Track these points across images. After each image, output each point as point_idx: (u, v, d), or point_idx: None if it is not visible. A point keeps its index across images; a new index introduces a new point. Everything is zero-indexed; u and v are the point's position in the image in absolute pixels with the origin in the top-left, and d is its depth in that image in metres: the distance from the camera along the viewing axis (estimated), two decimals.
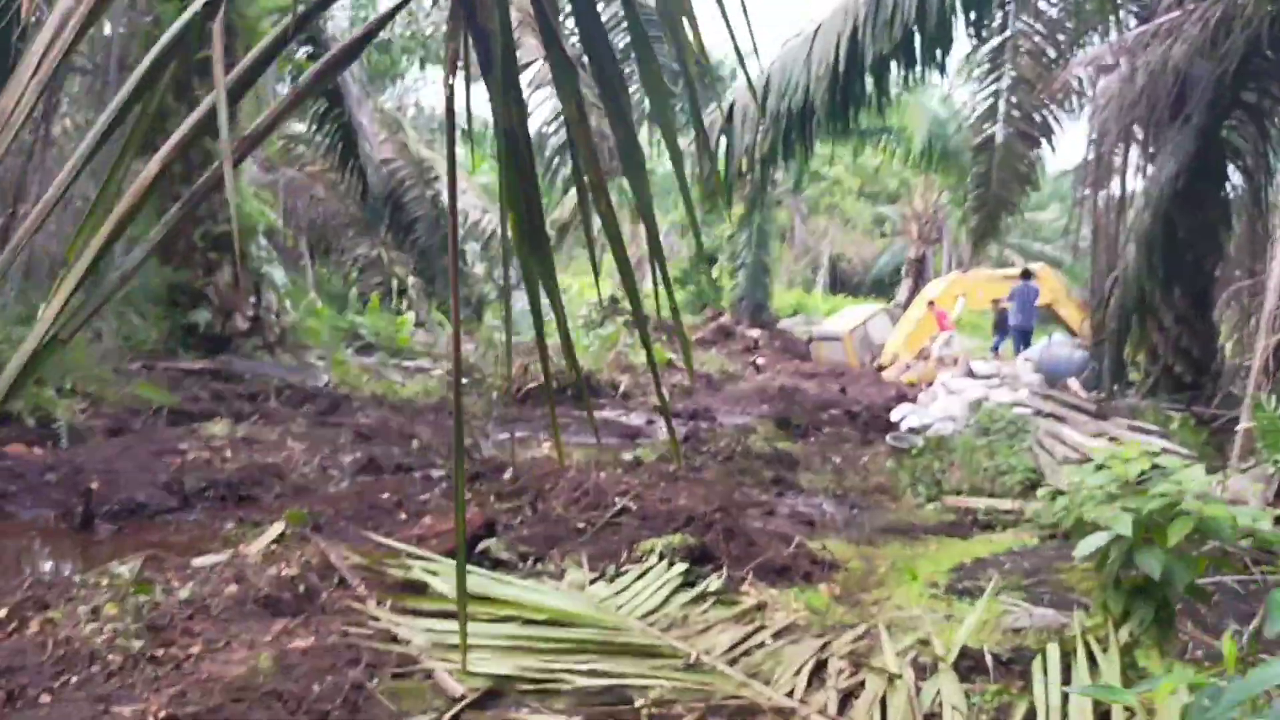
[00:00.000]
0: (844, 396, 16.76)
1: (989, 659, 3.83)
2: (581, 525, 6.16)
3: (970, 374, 14.20)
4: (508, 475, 7.11)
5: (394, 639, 4.24)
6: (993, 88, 13.37)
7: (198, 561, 5.13)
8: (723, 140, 10.69)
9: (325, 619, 4.50)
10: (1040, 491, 6.13)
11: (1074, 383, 13.25)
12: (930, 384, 16.42)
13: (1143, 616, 3.13)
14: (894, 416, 12.91)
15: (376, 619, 4.49)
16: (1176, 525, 2.96)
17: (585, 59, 1.95)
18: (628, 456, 9.31)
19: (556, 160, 13.69)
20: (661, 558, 5.43)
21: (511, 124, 1.89)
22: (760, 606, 4.99)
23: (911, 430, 11.90)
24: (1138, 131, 12.50)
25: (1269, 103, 10.00)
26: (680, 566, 5.25)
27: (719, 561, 5.56)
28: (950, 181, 32.56)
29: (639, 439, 11.32)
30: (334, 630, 4.33)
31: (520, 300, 19.37)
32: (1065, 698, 3.18)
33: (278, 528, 5.68)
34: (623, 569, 5.35)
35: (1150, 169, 10.72)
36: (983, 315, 25.26)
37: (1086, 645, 3.31)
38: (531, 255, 1.95)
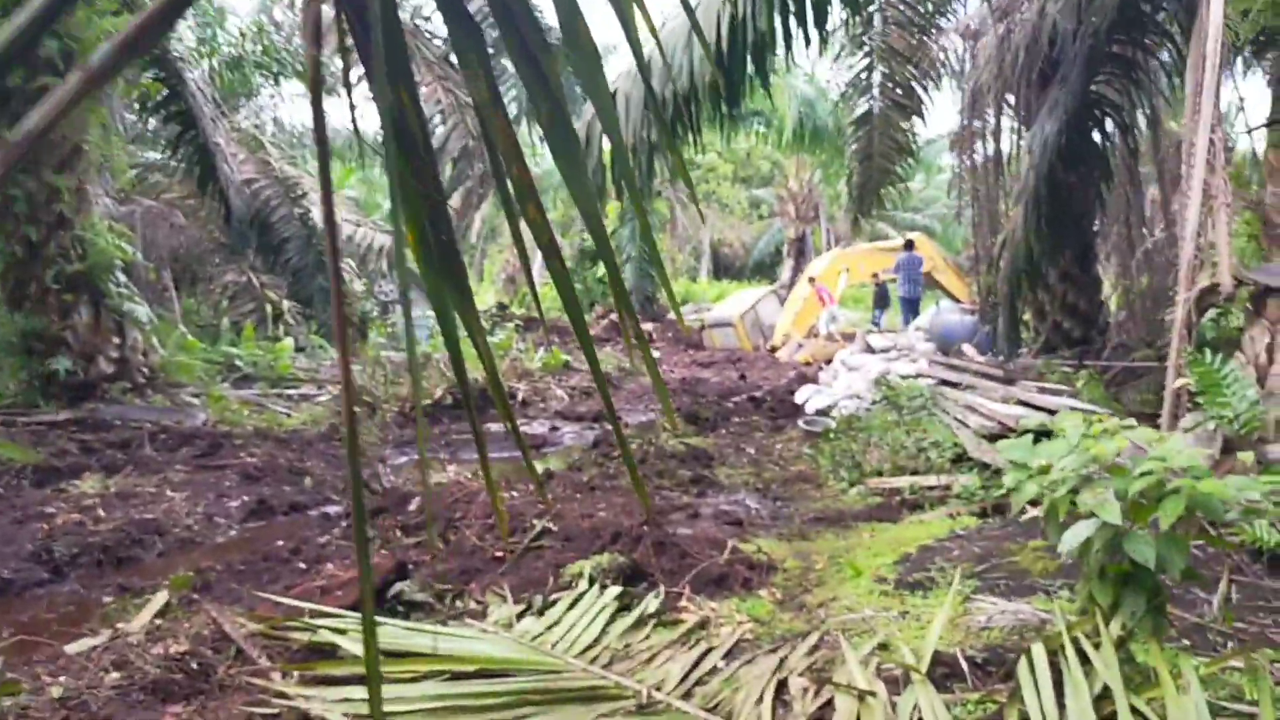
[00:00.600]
0: (744, 382, 16.63)
1: (963, 663, 3.55)
2: (500, 554, 5.72)
3: (868, 349, 14.17)
4: (413, 506, 6.60)
5: (305, 717, 3.74)
6: (866, 60, 13.31)
7: (72, 648, 4.52)
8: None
9: (224, 700, 3.97)
10: (987, 475, 5.96)
11: (969, 348, 13.33)
12: (828, 362, 16.40)
13: (1134, 607, 2.87)
14: (799, 399, 12.77)
15: (283, 694, 3.97)
16: (1168, 506, 2.71)
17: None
18: (539, 469, 8.87)
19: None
20: (592, 582, 5.03)
21: (400, 107, 1.47)
22: (703, 624, 4.64)
23: (819, 412, 11.75)
24: (1010, 98, 12.63)
25: (1141, 55, 10.10)
26: (614, 590, 4.87)
27: (652, 578, 5.20)
28: (823, 159, 32.94)
29: (545, 448, 10.89)
30: (234, 713, 3.81)
31: (406, 313, 18.65)
32: (1062, 704, 2.91)
33: (161, 597, 5.09)
34: (551, 598, 4.93)
35: (1029, 129, 10.74)
36: (864, 289, 25.54)
37: (1075, 642, 3.04)
38: (440, 275, 1.54)
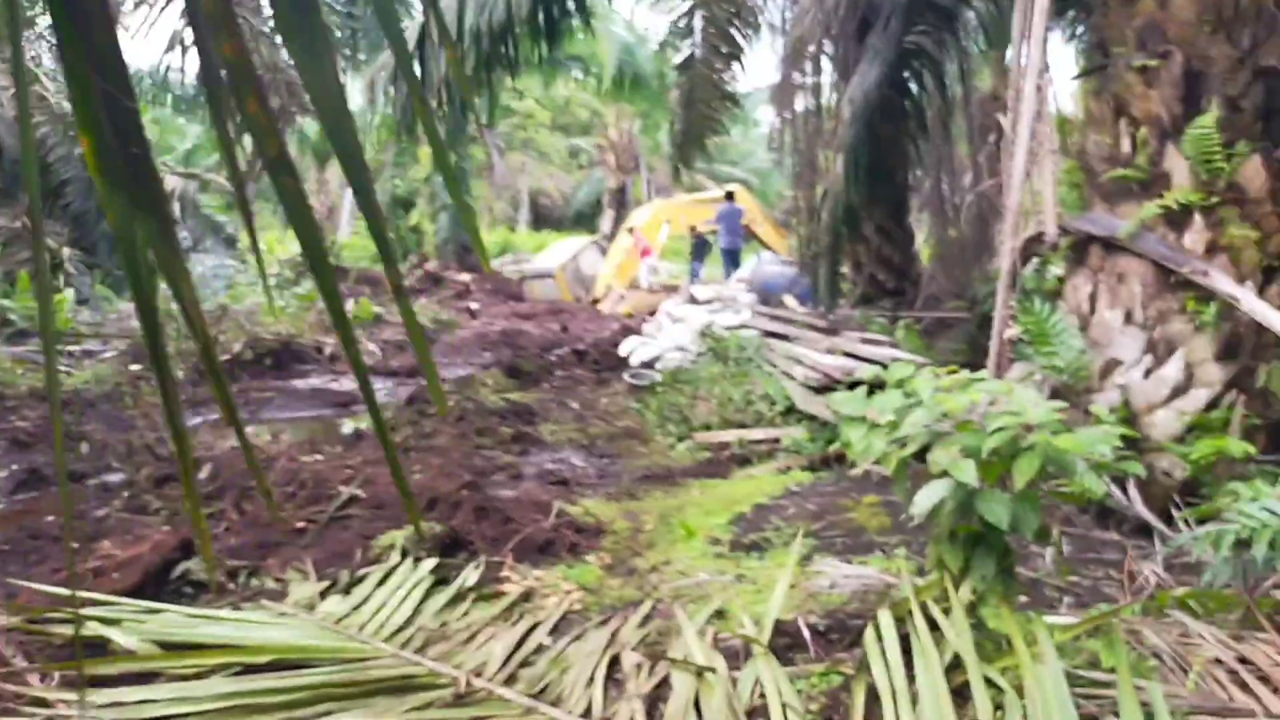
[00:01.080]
0: (567, 335, 16.29)
1: (805, 632, 3.34)
2: (302, 524, 5.20)
3: (691, 300, 14.07)
4: (204, 473, 5.95)
5: None
6: (688, 4, 13.04)
7: None
8: (416, 69, 9.67)
9: None
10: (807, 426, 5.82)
11: (790, 299, 13.41)
12: (652, 314, 16.25)
13: (985, 570, 2.71)
14: (623, 351, 12.54)
15: (41, 701, 3.40)
16: (1024, 464, 2.54)
17: None
18: (347, 429, 8.30)
19: None
20: (405, 554, 4.61)
21: None
22: (528, 595, 4.31)
23: (645, 365, 11.55)
24: (829, 46, 12.64)
25: (959, 6, 10.21)
26: (429, 562, 4.46)
27: (472, 547, 4.81)
28: (643, 108, 32.74)
29: (355, 406, 10.26)
30: None
31: (203, 262, 17.40)
32: (911, 675, 2.72)
33: None
34: (359, 574, 4.49)
35: (849, 82, 10.73)
36: (684, 241, 25.57)
37: (924, 608, 2.86)
38: (130, 201, 1.13)
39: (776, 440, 6.93)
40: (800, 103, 15.15)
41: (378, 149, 32.41)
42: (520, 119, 47.38)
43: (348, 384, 11.72)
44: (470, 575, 4.37)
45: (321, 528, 5.14)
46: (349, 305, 16.30)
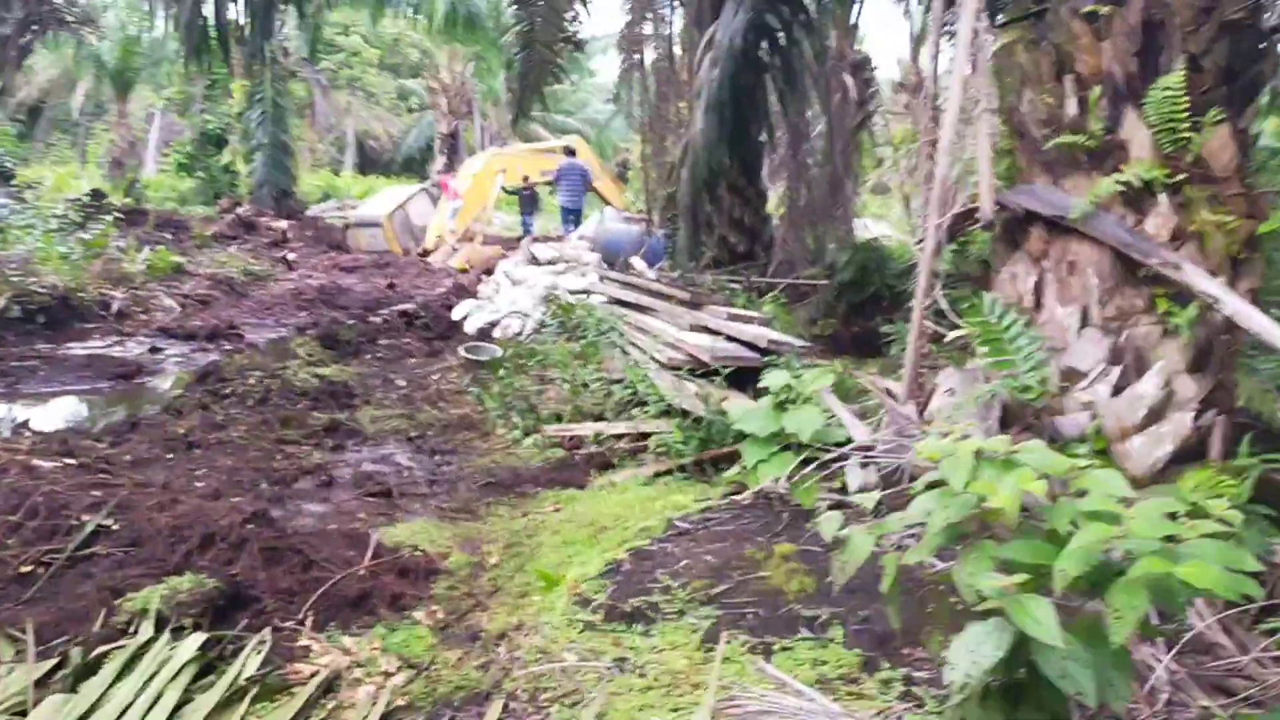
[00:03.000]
0: (394, 293, 14.87)
1: None
2: (28, 568, 3.87)
3: (532, 260, 12.91)
4: None
5: None
6: None
7: None
8: None
9: None
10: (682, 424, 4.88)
11: (638, 261, 12.42)
12: (488, 272, 15.00)
13: None
14: (457, 315, 11.31)
15: None
16: (1124, 600, 1.63)
17: None
18: (118, 416, 6.85)
19: None
20: (162, 623, 3.39)
21: None
22: (330, 685, 3.18)
23: (482, 333, 10.39)
24: None
25: None
26: (196, 637, 3.27)
27: (259, 606, 3.62)
28: (477, 50, 30.97)
29: (139, 379, 8.70)
30: None
31: None
32: None
33: None
34: (99, 652, 3.26)
35: (715, 25, 9.74)
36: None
37: None
38: None
39: (643, 436, 5.94)
40: (650, 51, 14.18)
41: (185, 79, 29.57)
42: (345, 56, 44.59)
43: (135, 348, 10.09)
44: (252, 659, 3.20)
45: (51, 575, 3.83)
46: (144, 254, 14.37)
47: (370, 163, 46.22)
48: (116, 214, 16.59)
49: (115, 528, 4.10)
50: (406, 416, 6.89)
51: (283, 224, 21.66)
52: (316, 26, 29.68)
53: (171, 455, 5.77)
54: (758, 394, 6.54)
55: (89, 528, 4.04)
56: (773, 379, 3.99)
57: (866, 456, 3.90)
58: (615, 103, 21.58)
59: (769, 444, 3.62)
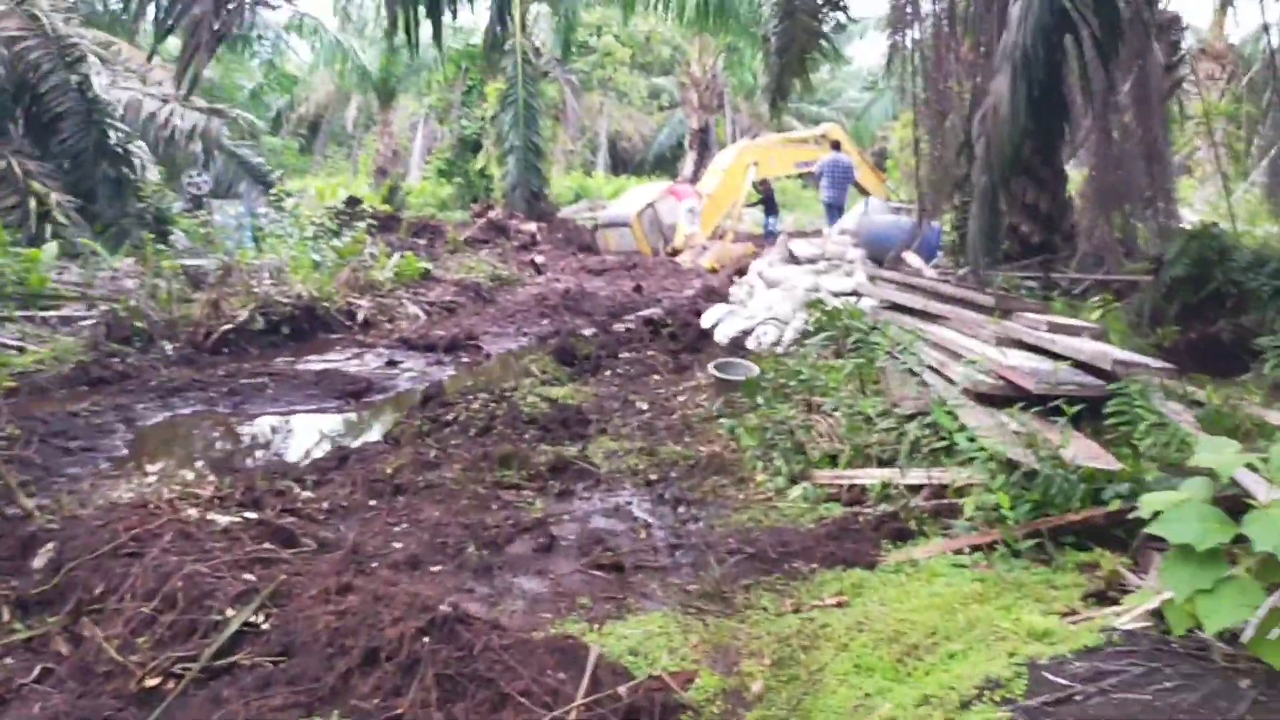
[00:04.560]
0: (640, 296, 13.97)
1: None
2: (154, 681, 2.98)
3: (790, 258, 11.56)
4: (41, 559, 3.76)
5: None
6: None
7: None
8: None
9: None
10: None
11: (913, 257, 10.83)
12: (739, 273, 13.79)
13: None
14: (706, 322, 10.16)
15: None
16: None
17: None
18: (318, 452, 6.11)
19: None
20: None
21: None
22: None
23: (734, 343, 9.18)
24: None
25: None
26: None
27: None
28: (728, 41, 29.87)
29: (369, 396, 8.08)
30: None
31: (224, 210, 15.35)
32: None
33: None
34: None
35: None
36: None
37: None
38: None
39: (945, 492, 4.52)
40: (922, 21, 12.47)
41: (444, 86, 30.20)
42: (598, 57, 44.75)
43: (372, 361, 9.58)
44: None
45: (182, 692, 2.91)
46: (393, 261, 14.16)
47: (622, 163, 46.33)
48: (370, 221, 16.63)
49: (265, 627, 3.14)
50: (647, 452, 5.75)
51: (532, 226, 21.38)
52: (570, 27, 29.56)
53: (375, 502, 4.89)
54: (1095, 432, 4.99)
55: (233, 625, 3.11)
56: (1210, 453, 2.49)
57: None
58: (885, 75, 19.73)
59: (1213, 565, 2.18)
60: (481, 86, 26.16)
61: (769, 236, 19.72)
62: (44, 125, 12.82)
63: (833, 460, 5.15)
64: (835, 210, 17.65)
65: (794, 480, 4.99)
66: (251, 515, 4.27)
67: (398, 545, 4.25)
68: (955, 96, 11.18)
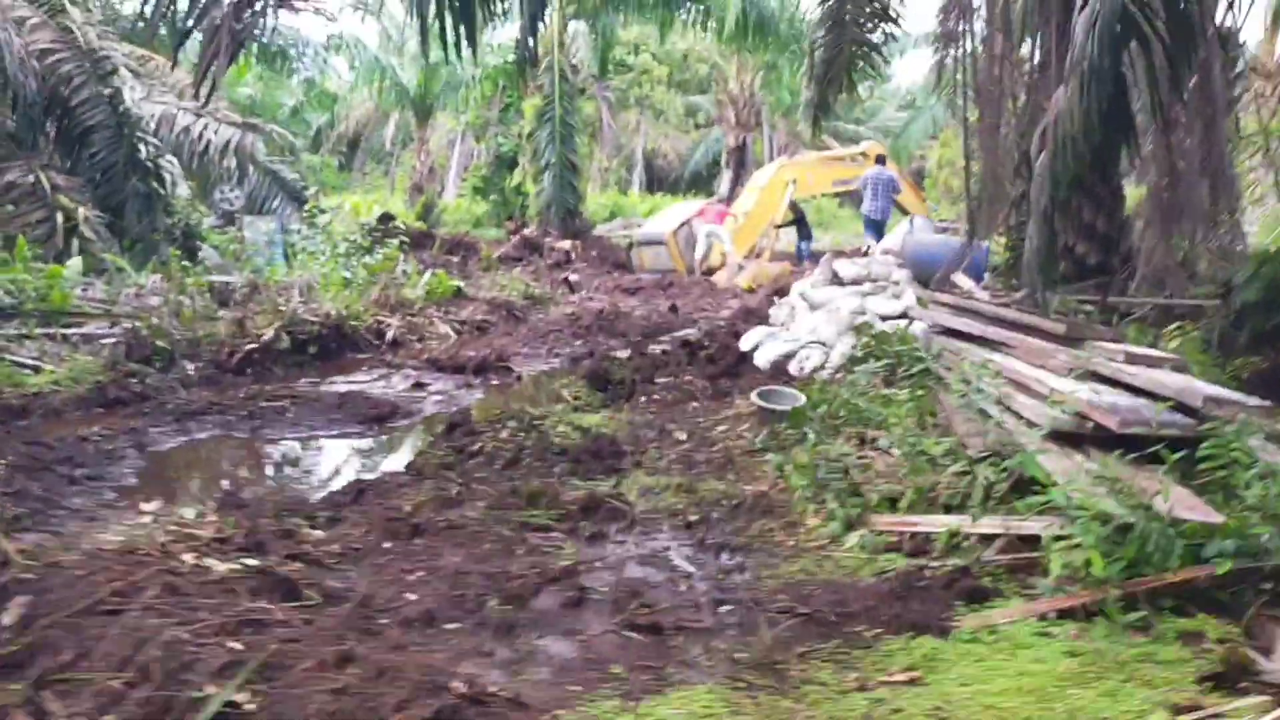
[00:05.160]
0: (675, 316, 13.55)
1: None
2: None
3: (834, 279, 11.08)
4: (10, 615, 3.37)
5: None
6: None
7: None
8: None
9: None
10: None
11: (965, 279, 10.31)
12: (779, 294, 13.34)
13: None
14: (746, 345, 9.69)
15: None
16: None
17: None
18: (334, 483, 5.72)
19: None
20: None
21: None
22: None
23: (776, 368, 8.71)
24: None
25: None
26: None
27: None
28: (766, 59, 29.49)
29: (392, 421, 7.70)
30: None
31: (255, 226, 15.13)
32: None
33: None
34: None
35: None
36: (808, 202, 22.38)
37: None
38: None
39: (1023, 544, 4.03)
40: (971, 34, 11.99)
41: (481, 103, 30.01)
42: (635, 75, 44.52)
43: (399, 382, 9.21)
44: None
45: None
46: (425, 278, 13.84)
47: (658, 181, 46.07)
48: (403, 238, 16.35)
49: (250, 708, 2.72)
50: (686, 489, 5.30)
51: (567, 244, 21.05)
52: (607, 44, 29.31)
53: (390, 544, 4.48)
54: (1184, 477, 4.48)
55: (211, 707, 2.69)
56: None
57: None
58: (932, 90, 19.25)
59: None
60: (519, 104, 25.93)
61: (802, 259, 19.29)
62: (75, 139, 12.65)
63: (892, 504, 4.67)
64: (876, 225, 17.18)
65: (850, 526, 4.52)
66: (252, 562, 3.86)
67: (412, 597, 3.82)
68: (1009, 111, 10.70)
